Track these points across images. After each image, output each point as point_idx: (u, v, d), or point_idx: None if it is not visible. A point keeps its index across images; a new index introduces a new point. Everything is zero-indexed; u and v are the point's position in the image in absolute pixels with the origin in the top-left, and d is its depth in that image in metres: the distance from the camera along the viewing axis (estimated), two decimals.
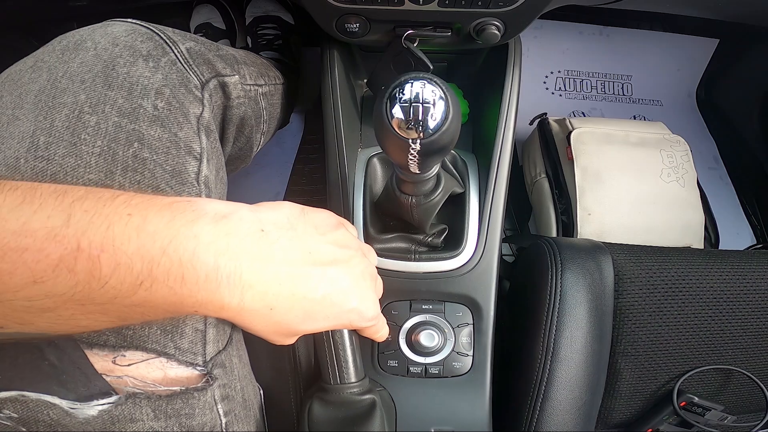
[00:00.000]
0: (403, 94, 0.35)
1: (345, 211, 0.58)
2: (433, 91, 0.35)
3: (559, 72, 1.17)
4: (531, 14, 0.55)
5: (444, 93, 0.36)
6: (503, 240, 0.60)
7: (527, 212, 0.94)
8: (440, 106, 0.35)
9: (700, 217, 0.86)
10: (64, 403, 0.28)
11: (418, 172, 0.41)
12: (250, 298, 0.30)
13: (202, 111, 0.41)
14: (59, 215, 0.24)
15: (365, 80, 0.73)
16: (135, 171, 0.34)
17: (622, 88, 1.19)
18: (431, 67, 0.57)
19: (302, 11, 1.05)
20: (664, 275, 0.61)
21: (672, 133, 0.90)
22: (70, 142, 0.33)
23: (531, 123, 0.92)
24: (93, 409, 0.28)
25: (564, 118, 0.87)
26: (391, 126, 0.36)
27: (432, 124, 0.35)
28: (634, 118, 1.15)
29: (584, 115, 1.14)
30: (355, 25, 0.57)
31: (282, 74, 0.70)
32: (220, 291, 0.28)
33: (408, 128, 0.35)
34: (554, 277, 0.58)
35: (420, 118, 0.35)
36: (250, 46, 1.03)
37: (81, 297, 0.25)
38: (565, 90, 1.16)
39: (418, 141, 0.36)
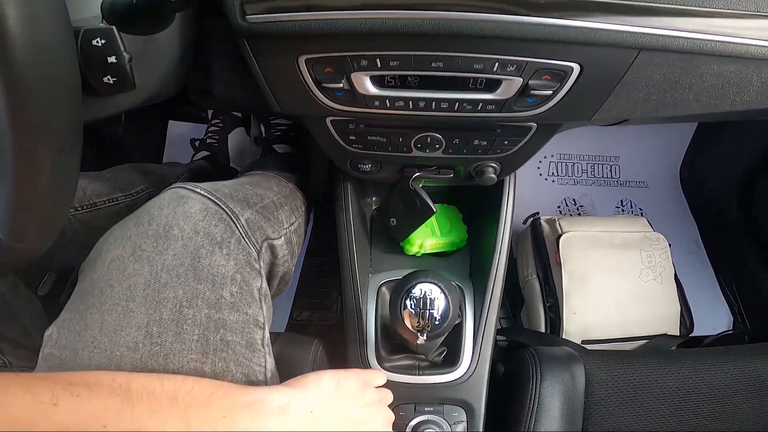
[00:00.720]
0: (413, 294, 0.53)
1: (359, 338, 0.73)
2: (437, 294, 0.52)
3: (552, 156, 1.33)
4: (525, 157, 0.69)
5: (446, 293, 0.53)
6: (498, 332, 0.75)
7: (520, 303, 1.10)
8: (442, 305, 0.52)
9: (675, 308, 1.02)
10: None
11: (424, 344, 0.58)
12: None
13: (261, 282, 0.56)
14: (180, 424, 0.39)
15: (373, 197, 0.89)
16: (222, 350, 0.50)
17: (611, 170, 1.35)
18: (435, 211, 0.73)
19: None
20: (628, 378, 0.77)
21: (653, 229, 1.06)
22: (176, 331, 0.48)
23: (524, 222, 1.09)
24: None
25: (554, 220, 1.04)
26: (403, 322, 0.53)
27: (436, 322, 0.52)
28: (621, 203, 1.32)
29: (575, 203, 1.30)
30: (367, 166, 0.71)
31: (303, 196, 0.81)
32: None
33: (417, 328, 0.52)
34: (534, 386, 0.74)
35: (427, 320, 0.52)
36: (264, 135, 1.18)
37: None
38: (558, 175, 1.33)
39: (425, 334, 0.53)
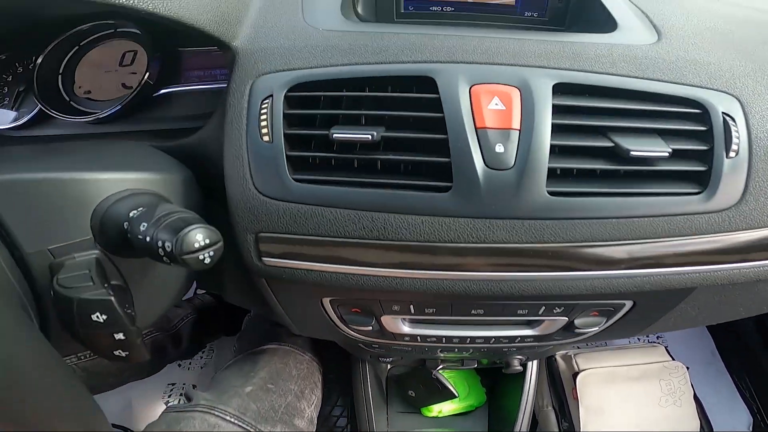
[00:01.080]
0: None
1: None
2: None
3: None
4: (550, 352, 0.65)
5: None
6: None
7: (534, 423, 1.04)
8: None
9: (695, 423, 0.99)
10: None
11: None
12: None
13: None
14: None
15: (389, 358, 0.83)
16: None
17: None
18: (456, 395, 0.68)
19: None
20: None
21: (671, 355, 1.02)
22: None
23: None
24: None
25: (570, 356, 0.98)
26: None
27: None
28: None
29: None
30: (388, 358, 0.67)
31: (319, 362, 0.76)
32: None
33: None
34: None
35: None
36: None
37: None
38: None
39: None
